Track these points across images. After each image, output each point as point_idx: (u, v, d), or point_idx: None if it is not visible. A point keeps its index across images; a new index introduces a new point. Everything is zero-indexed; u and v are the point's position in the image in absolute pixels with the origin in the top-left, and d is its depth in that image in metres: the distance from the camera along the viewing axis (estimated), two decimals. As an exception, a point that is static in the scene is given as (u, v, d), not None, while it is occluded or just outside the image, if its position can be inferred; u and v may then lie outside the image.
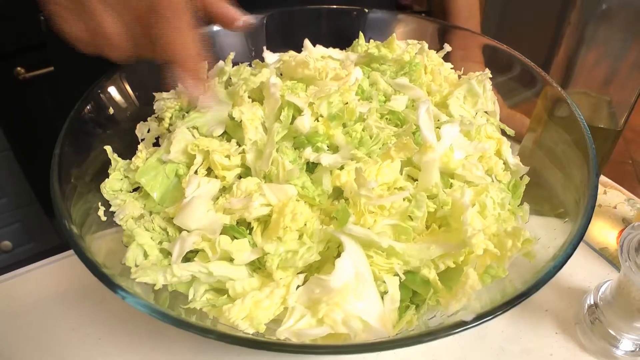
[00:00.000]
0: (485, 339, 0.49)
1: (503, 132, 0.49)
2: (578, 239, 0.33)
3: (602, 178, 0.66)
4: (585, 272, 0.54)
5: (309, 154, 0.40)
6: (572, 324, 0.50)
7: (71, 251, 0.55)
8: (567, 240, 0.34)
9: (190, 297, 0.36)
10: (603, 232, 0.58)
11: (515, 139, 0.50)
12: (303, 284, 0.34)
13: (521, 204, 0.44)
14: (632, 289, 0.45)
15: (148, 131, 0.47)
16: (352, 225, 0.34)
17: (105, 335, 0.46)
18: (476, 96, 0.47)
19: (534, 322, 0.50)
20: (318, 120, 0.42)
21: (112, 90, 0.48)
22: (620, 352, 0.47)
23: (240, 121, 0.41)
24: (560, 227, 0.39)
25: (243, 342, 0.29)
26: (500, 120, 0.51)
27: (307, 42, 0.53)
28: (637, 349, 0.47)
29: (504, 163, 0.44)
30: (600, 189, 0.64)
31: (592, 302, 0.50)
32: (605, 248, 0.57)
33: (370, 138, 0.41)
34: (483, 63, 0.56)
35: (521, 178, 0.45)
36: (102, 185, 0.42)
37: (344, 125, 0.43)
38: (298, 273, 0.35)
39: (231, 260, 0.35)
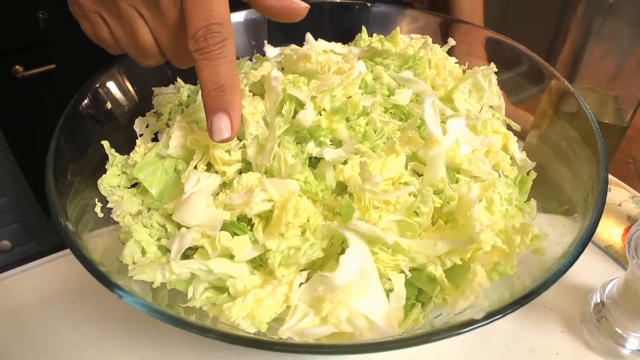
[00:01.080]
0: (490, 337, 0.48)
1: (509, 128, 0.48)
2: (589, 234, 0.32)
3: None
4: (590, 270, 0.53)
5: (311, 148, 0.39)
6: (578, 322, 0.49)
7: (68, 250, 0.54)
8: (578, 236, 0.33)
9: (189, 296, 0.35)
10: (608, 229, 0.57)
11: (519, 135, 0.49)
12: (306, 281, 0.33)
13: (527, 200, 0.43)
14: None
15: (147, 126, 0.46)
16: (356, 220, 0.33)
17: (104, 335, 0.45)
18: (482, 90, 0.47)
19: (539, 321, 0.49)
20: (321, 114, 0.41)
21: (110, 85, 0.47)
22: (627, 351, 0.46)
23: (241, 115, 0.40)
24: (569, 223, 0.38)
25: (244, 341, 0.29)
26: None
27: (308, 36, 0.52)
28: (644, 348, 0.46)
29: (511, 158, 0.44)
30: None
31: (599, 301, 0.49)
32: (611, 246, 0.56)
33: (375, 132, 0.40)
34: (486, 59, 0.55)
35: (528, 174, 0.44)
36: (99, 181, 0.41)
37: (347, 120, 0.42)
38: (301, 270, 0.34)
39: (232, 257, 0.34)
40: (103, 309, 0.48)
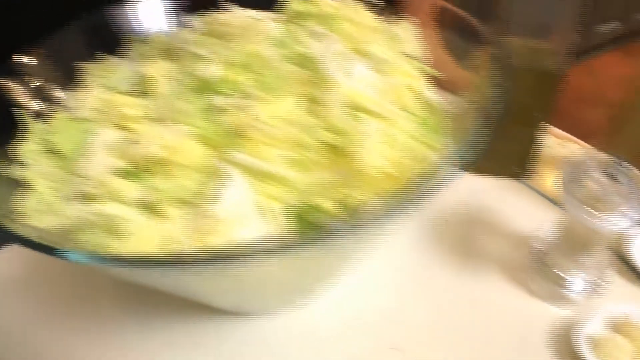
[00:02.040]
0: (429, 291, 0.48)
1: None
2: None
3: (560, 132, 0.64)
4: (531, 218, 0.52)
5: (212, 99, 0.39)
6: (520, 271, 0.48)
7: None
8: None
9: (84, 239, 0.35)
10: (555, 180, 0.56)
11: (451, 91, 0.48)
12: (190, 216, 0.33)
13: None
14: (575, 225, 0.43)
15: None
16: (237, 153, 0.33)
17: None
18: (397, 40, 0.47)
19: (480, 272, 0.49)
20: (225, 70, 0.41)
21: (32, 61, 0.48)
22: (570, 292, 0.45)
23: (149, 76, 0.41)
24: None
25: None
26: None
27: (228, 4, 0.52)
28: (587, 288, 0.46)
29: (421, 99, 0.43)
30: (557, 141, 0.62)
31: (538, 246, 0.48)
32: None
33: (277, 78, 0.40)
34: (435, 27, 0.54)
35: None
36: (18, 148, 0.42)
37: (253, 73, 0.42)
38: (185, 206, 0.34)
39: (122, 201, 0.35)
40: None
